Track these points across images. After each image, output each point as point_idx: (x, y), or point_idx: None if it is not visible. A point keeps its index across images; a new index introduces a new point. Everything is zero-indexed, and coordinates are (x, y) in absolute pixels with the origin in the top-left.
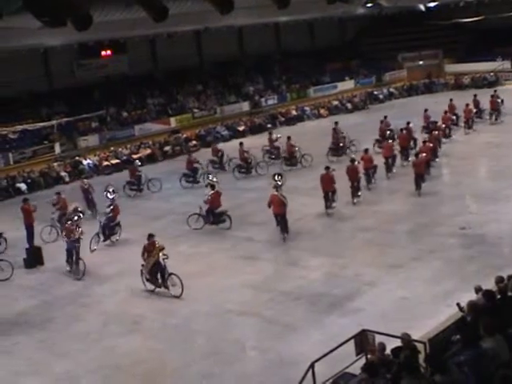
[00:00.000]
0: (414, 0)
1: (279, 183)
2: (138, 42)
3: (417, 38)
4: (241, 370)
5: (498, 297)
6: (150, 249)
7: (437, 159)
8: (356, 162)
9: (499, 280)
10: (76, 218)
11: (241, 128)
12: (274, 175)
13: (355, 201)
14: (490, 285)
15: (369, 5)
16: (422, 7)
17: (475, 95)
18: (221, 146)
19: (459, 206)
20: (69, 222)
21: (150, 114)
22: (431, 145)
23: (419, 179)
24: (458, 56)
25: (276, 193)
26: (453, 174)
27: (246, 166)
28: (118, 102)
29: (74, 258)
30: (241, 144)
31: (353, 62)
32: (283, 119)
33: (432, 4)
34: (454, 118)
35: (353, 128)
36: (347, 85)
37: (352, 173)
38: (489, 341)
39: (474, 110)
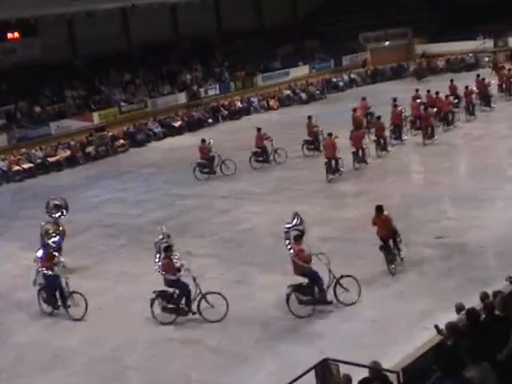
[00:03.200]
0: None
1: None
2: (52, 23)
3: (381, 15)
4: None
5: (483, 316)
6: None
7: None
8: (333, 137)
9: (484, 296)
10: None
11: (177, 124)
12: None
13: (330, 178)
14: (473, 302)
15: None
16: None
17: (478, 75)
18: (155, 144)
19: (435, 211)
20: None
21: (68, 109)
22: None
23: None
24: (430, 35)
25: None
26: (429, 173)
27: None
28: (29, 94)
29: None
30: (259, 130)
31: (307, 44)
32: (226, 112)
33: None
34: (456, 101)
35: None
36: (301, 71)
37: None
38: (473, 369)
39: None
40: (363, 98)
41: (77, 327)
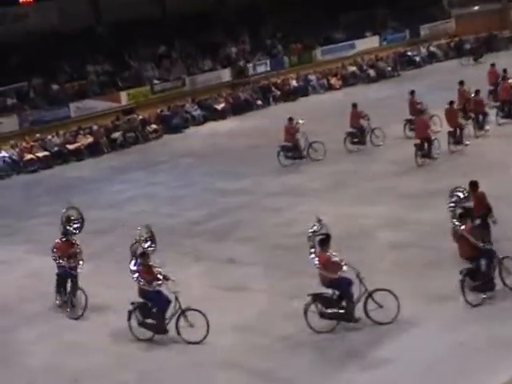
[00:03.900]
0: None
1: None
2: None
3: None
4: None
5: None
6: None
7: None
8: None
9: None
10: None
11: (219, 106)
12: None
13: (420, 162)
14: None
15: None
16: None
17: None
18: (194, 130)
19: None
20: None
21: (91, 87)
22: None
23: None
24: None
25: None
26: None
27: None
28: (44, 69)
29: None
30: (354, 106)
31: (377, 10)
32: (279, 93)
33: None
34: None
35: (377, 104)
36: (369, 43)
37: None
38: None
39: None
40: (492, 65)
41: (98, 346)
